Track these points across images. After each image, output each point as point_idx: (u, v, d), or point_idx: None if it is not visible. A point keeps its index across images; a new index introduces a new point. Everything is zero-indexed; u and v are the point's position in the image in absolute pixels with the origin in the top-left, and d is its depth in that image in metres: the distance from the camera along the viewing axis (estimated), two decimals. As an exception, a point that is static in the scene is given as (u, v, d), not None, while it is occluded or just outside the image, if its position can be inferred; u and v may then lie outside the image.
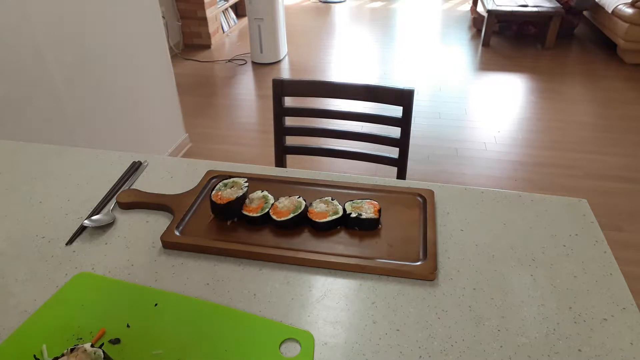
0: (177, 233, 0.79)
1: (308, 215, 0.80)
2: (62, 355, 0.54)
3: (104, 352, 0.55)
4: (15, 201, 0.90)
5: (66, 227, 0.83)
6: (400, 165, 1.35)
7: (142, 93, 2.26)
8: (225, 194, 0.81)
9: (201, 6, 4.10)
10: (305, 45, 4.44)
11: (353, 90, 1.31)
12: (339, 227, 0.80)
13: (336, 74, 3.85)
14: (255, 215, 0.80)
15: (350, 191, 0.90)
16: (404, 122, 1.28)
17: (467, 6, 5.59)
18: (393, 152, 1.35)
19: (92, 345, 0.55)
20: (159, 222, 0.84)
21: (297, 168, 0.99)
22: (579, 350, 0.60)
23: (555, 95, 3.38)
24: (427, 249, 0.74)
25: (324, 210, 0.81)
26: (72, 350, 0.55)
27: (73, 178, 0.96)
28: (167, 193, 0.89)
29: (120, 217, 0.85)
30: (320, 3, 5.87)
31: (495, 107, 3.21)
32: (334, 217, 0.79)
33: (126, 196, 0.88)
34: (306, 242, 0.77)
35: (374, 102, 1.31)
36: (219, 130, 2.99)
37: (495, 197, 0.89)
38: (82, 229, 0.82)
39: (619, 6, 3.74)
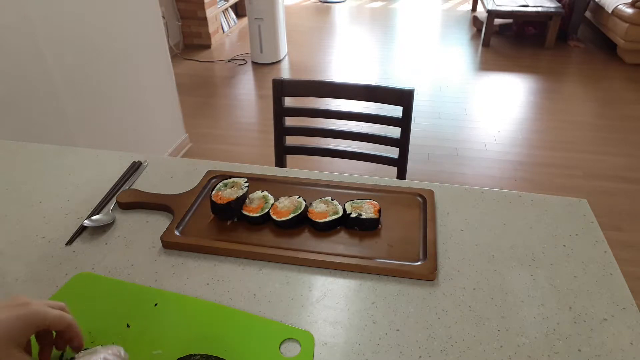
0: (177, 233, 0.79)
1: (308, 215, 0.80)
2: None
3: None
4: (15, 201, 0.90)
5: (66, 227, 0.83)
6: (400, 165, 1.35)
7: (142, 93, 2.25)
8: (225, 194, 0.81)
9: (201, 6, 4.10)
10: (305, 45, 4.44)
11: (353, 90, 1.31)
12: (339, 227, 0.80)
13: (336, 74, 3.85)
14: (255, 215, 0.80)
15: (350, 191, 0.90)
16: (404, 122, 1.28)
17: (467, 6, 5.59)
18: (393, 152, 1.35)
19: (61, 356, 0.56)
20: (159, 222, 0.84)
21: (297, 168, 0.99)
22: (579, 350, 0.60)
23: (555, 95, 3.38)
24: (427, 249, 0.74)
25: (324, 210, 0.81)
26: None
27: (73, 178, 0.96)
28: (167, 193, 0.89)
29: (120, 217, 0.85)
30: (320, 3, 5.87)
31: (495, 107, 3.21)
32: (334, 217, 0.79)
33: (126, 196, 0.88)
34: (306, 242, 0.77)
35: (374, 102, 1.31)
36: (219, 130, 2.99)
37: (495, 197, 0.89)
38: (82, 229, 0.82)
39: (619, 6, 3.74)
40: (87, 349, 0.55)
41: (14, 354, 0.45)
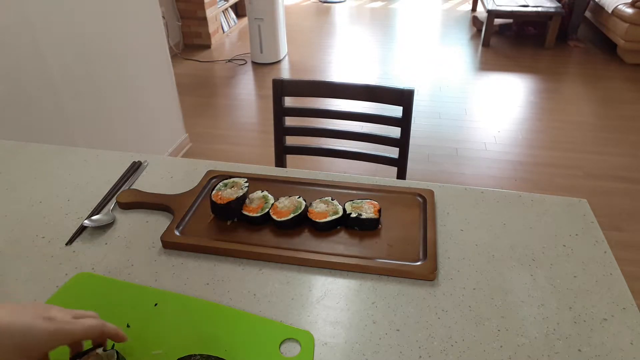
0: (177, 233, 0.79)
1: (308, 215, 0.80)
2: None
3: (117, 352, 0.55)
4: (15, 201, 0.90)
5: (66, 227, 0.83)
6: (400, 165, 1.35)
7: (142, 93, 2.25)
8: (225, 194, 0.81)
9: (201, 6, 4.10)
10: (305, 45, 4.44)
11: (353, 90, 1.31)
12: (339, 227, 0.80)
13: (336, 74, 3.85)
14: (255, 215, 0.80)
15: (350, 191, 0.90)
16: (404, 122, 1.28)
17: (467, 6, 5.59)
18: (393, 152, 1.35)
19: (103, 349, 0.56)
20: (159, 222, 0.84)
21: (297, 168, 0.99)
22: (579, 350, 0.60)
23: (555, 95, 3.38)
24: (427, 249, 0.74)
25: (324, 210, 0.81)
26: (85, 354, 0.55)
27: (73, 178, 0.96)
28: (167, 193, 0.89)
29: (120, 217, 0.85)
30: (320, 3, 5.87)
31: (495, 107, 3.21)
32: (334, 217, 0.79)
33: (126, 196, 0.88)
34: (306, 242, 0.77)
35: (374, 102, 1.31)
36: (219, 130, 2.99)
37: (495, 197, 0.89)
38: (82, 229, 0.82)
39: (619, 6, 3.74)
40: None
41: None
